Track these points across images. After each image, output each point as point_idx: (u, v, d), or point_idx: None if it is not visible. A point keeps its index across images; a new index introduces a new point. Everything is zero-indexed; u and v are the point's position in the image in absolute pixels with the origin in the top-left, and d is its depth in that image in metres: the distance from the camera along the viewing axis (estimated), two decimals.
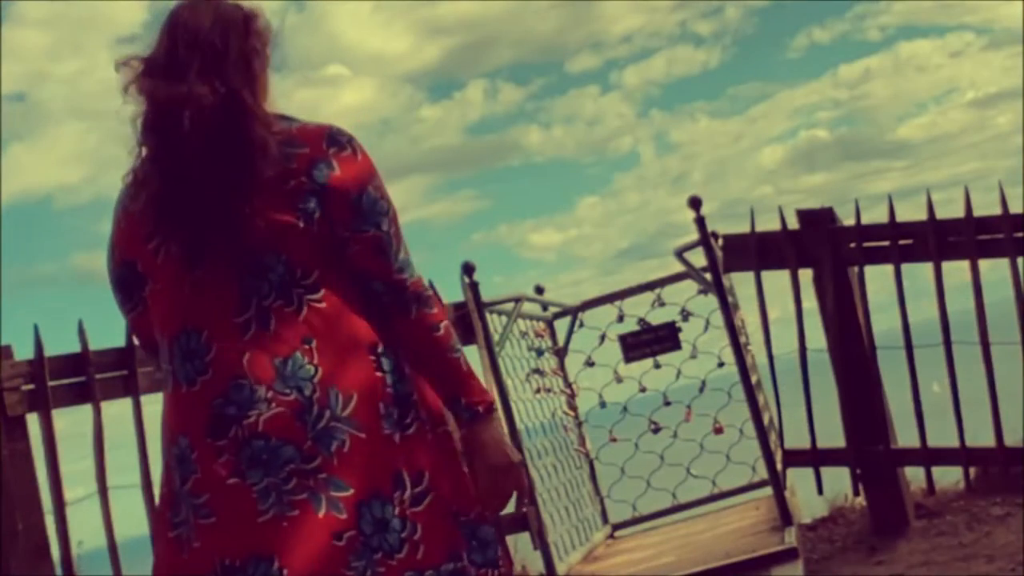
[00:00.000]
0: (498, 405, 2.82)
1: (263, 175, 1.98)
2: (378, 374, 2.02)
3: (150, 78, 2.04)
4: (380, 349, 2.03)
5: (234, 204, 1.98)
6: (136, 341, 2.27)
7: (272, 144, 2.00)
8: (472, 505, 2.08)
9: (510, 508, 2.32)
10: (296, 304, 2.00)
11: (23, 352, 3.93)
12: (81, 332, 4.02)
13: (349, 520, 1.95)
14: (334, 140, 2.05)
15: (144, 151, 2.07)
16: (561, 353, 6.39)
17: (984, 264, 4.93)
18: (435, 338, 2.07)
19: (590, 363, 6.31)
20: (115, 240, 2.15)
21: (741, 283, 5.54)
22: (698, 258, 5.43)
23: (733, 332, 5.23)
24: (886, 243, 5.03)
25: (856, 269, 5.09)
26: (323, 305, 2.01)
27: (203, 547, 1.98)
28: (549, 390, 5.96)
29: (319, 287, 2.02)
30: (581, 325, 6.39)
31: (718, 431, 6.08)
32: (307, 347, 1.98)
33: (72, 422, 4.10)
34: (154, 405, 4.17)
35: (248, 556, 1.94)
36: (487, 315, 5.00)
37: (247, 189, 1.99)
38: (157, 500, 2.23)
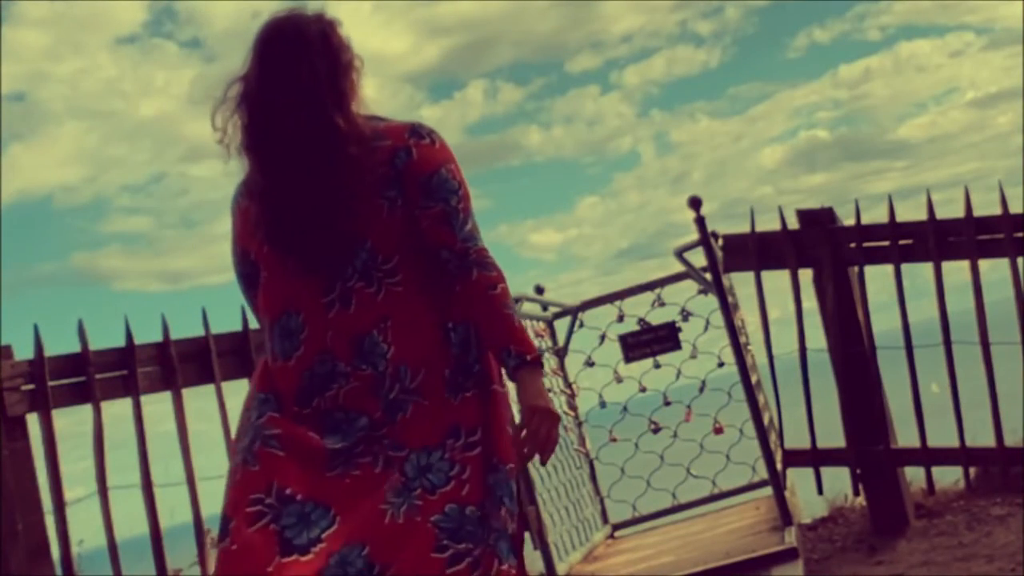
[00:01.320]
0: None
1: (351, 177, 2.21)
2: (445, 347, 2.27)
3: (246, 95, 2.28)
4: (449, 326, 2.28)
5: (324, 201, 2.22)
6: (258, 320, 2.47)
7: (358, 150, 2.22)
8: (511, 458, 2.29)
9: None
10: (376, 286, 2.24)
11: (23, 352, 3.93)
12: (81, 332, 4.02)
13: (397, 471, 2.21)
14: (415, 132, 2.28)
15: (249, 158, 2.30)
16: (561, 353, 6.39)
17: (984, 264, 4.93)
18: (491, 295, 2.27)
19: (590, 363, 6.31)
20: (235, 232, 2.39)
21: (741, 283, 5.54)
22: (698, 258, 5.42)
23: (733, 332, 5.22)
24: (886, 243, 5.03)
25: (856, 269, 5.09)
26: (399, 288, 2.25)
27: (262, 471, 2.21)
28: (549, 390, 5.95)
29: (397, 272, 2.25)
30: (581, 325, 6.38)
31: (718, 431, 6.08)
32: (383, 326, 2.22)
33: (72, 422, 4.10)
34: (154, 405, 4.18)
35: (309, 497, 2.18)
36: None
37: (336, 187, 2.21)
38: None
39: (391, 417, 2.22)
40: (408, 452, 2.21)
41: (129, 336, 4.14)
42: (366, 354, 2.22)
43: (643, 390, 6.24)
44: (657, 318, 6.14)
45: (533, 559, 5.13)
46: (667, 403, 6.26)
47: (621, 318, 6.20)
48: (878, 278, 5.18)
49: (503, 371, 2.34)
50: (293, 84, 2.24)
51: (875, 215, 5.10)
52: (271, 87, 2.25)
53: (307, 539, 2.17)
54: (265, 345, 2.35)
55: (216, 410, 4.36)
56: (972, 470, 5.16)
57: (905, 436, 5.18)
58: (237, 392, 4.40)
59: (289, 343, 2.27)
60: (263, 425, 2.24)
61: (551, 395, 5.99)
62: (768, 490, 5.37)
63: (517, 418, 2.32)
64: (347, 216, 2.23)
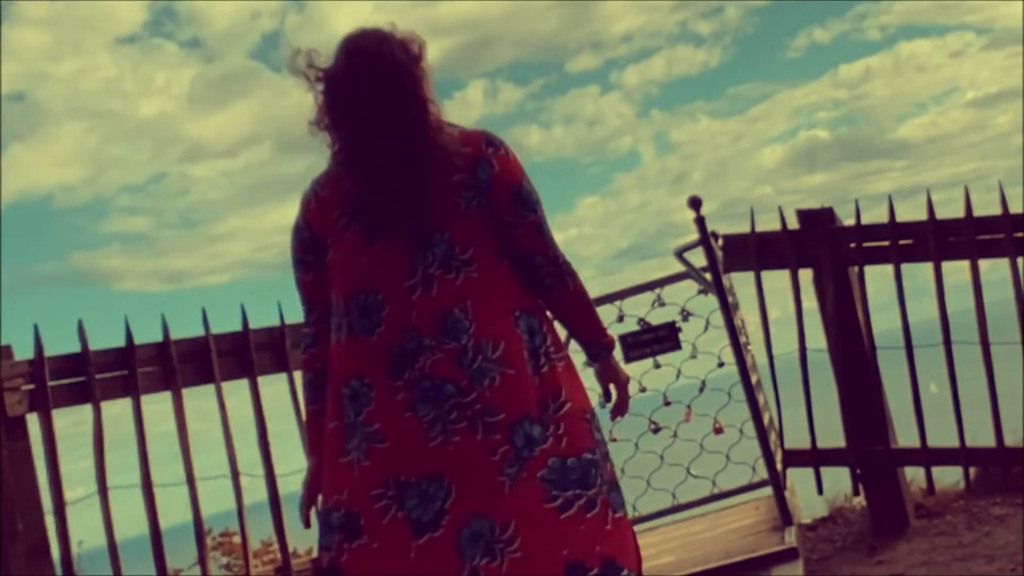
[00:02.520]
0: None
1: (434, 173, 2.49)
2: (516, 331, 2.53)
3: (334, 95, 2.53)
4: (517, 313, 2.55)
5: (409, 194, 2.49)
6: (303, 302, 2.71)
7: (441, 151, 2.50)
8: (589, 407, 2.62)
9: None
10: (454, 273, 2.51)
11: (23, 352, 3.93)
12: (81, 332, 4.02)
13: (503, 439, 2.46)
14: (491, 142, 2.58)
15: (335, 154, 2.57)
16: None
17: (984, 264, 4.93)
18: (584, 301, 2.68)
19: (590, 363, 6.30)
20: (306, 220, 2.62)
21: (741, 283, 5.53)
22: (698, 258, 5.42)
23: (733, 332, 5.22)
24: (886, 243, 5.03)
25: (856, 269, 5.09)
26: (475, 276, 2.52)
27: (373, 465, 2.48)
28: None
29: (473, 262, 2.53)
30: None
31: (718, 431, 6.07)
32: (463, 306, 2.49)
33: (72, 422, 4.11)
34: (154, 405, 4.18)
35: (422, 475, 2.45)
36: None
37: (420, 183, 2.49)
38: (327, 432, 2.61)
39: (479, 383, 2.47)
40: (505, 418, 2.47)
41: (129, 336, 4.14)
42: (449, 329, 2.48)
43: (643, 390, 6.23)
44: (657, 318, 6.13)
45: None
46: (667, 403, 6.24)
47: (621, 318, 6.19)
48: (878, 278, 5.18)
49: (582, 350, 2.77)
50: (385, 86, 2.50)
51: (875, 215, 5.10)
52: (361, 88, 2.50)
53: (432, 514, 2.44)
54: (337, 322, 2.58)
55: (216, 410, 4.36)
56: (972, 470, 5.16)
57: (905, 436, 5.18)
58: (237, 392, 4.41)
59: (369, 320, 2.53)
60: (364, 421, 2.51)
61: None
62: (768, 490, 5.37)
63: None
64: (428, 207, 2.50)
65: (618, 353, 6.14)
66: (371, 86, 2.50)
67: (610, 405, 2.84)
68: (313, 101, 2.58)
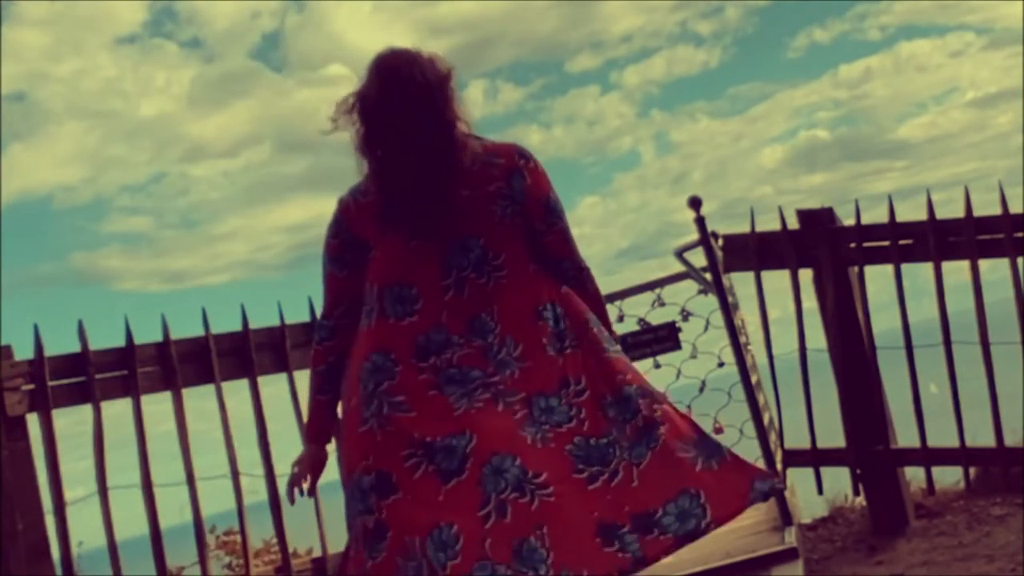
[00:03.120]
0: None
1: (457, 184, 2.69)
2: (540, 323, 2.76)
3: (367, 113, 2.72)
4: (542, 307, 2.78)
5: (445, 200, 2.69)
6: (329, 296, 2.89)
7: (472, 159, 2.71)
8: (625, 370, 2.82)
9: None
10: (486, 278, 2.75)
11: (23, 352, 3.93)
12: (81, 332, 4.02)
13: (521, 408, 2.68)
14: (522, 155, 2.79)
15: (370, 164, 2.75)
16: None
17: (984, 264, 4.93)
18: (598, 301, 2.92)
19: None
20: (348, 221, 2.82)
21: (741, 283, 5.53)
22: (698, 258, 5.42)
23: (733, 332, 5.22)
24: (886, 243, 5.02)
25: (856, 269, 5.08)
26: (504, 281, 2.75)
27: (398, 430, 2.65)
28: None
29: (503, 267, 2.76)
30: None
31: (718, 431, 6.06)
32: (491, 310, 2.73)
33: (72, 422, 4.11)
34: (154, 405, 4.18)
35: (447, 434, 2.63)
36: None
37: (443, 193, 2.69)
38: (341, 411, 2.84)
39: (501, 371, 2.70)
40: (524, 396, 2.70)
41: (129, 336, 4.14)
42: (478, 330, 2.72)
43: None
44: (657, 318, 6.13)
45: None
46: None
47: (621, 318, 6.19)
48: (878, 278, 5.18)
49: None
50: (414, 105, 2.68)
51: (875, 215, 5.10)
52: (393, 107, 2.70)
53: (458, 460, 2.62)
54: (368, 308, 2.79)
55: (216, 410, 4.36)
56: (972, 470, 5.16)
57: (905, 436, 5.18)
58: (237, 392, 4.42)
59: (402, 308, 2.75)
60: (387, 392, 2.69)
61: None
62: None
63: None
64: (454, 213, 2.71)
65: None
66: (402, 105, 2.69)
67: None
68: (351, 127, 2.78)
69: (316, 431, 2.95)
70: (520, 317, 2.75)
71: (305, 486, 2.97)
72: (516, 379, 2.71)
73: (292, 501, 2.98)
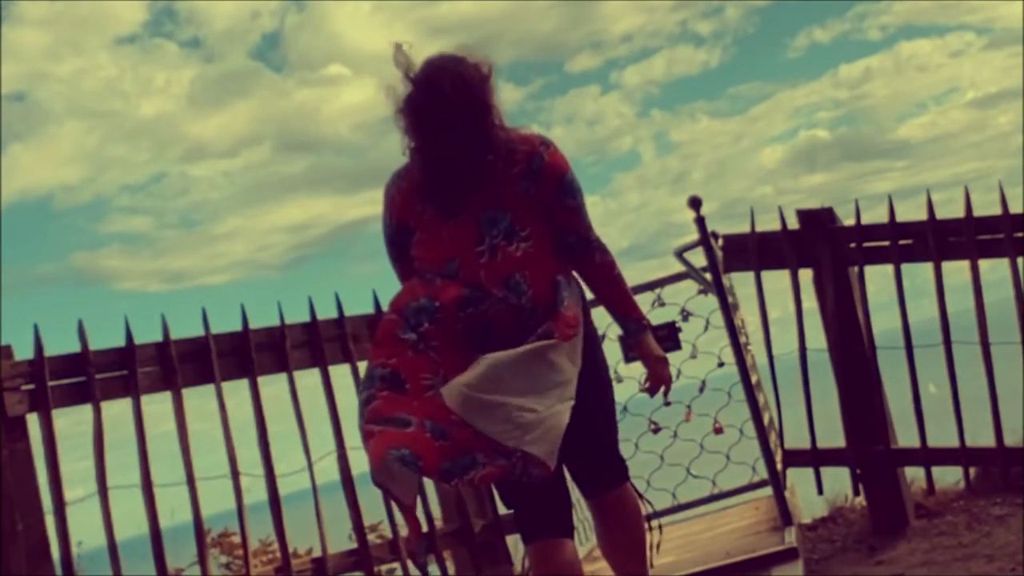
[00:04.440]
0: None
1: (495, 163, 3.06)
2: (556, 292, 3.09)
3: (415, 101, 3.08)
4: (558, 278, 3.11)
5: (477, 179, 3.06)
6: (402, 277, 3.25)
7: (500, 145, 3.07)
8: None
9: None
10: (515, 245, 3.08)
11: (23, 352, 3.93)
12: (81, 332, 4.02)
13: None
14: (544, 142, 3.15)
15: (412, 152, 3.13)
16: None
17: (984, 264, 4.93)
18: (613, 275, 3.24)
19: None
20: (391, 212, 3.20)
21: (741, 283, 5.53)
22: (698, 258, 5.42)
23: (733, 332, 5.22)
24: (886, 243, 5.03)
25: (856, 269, 5.08)
26: (532, 250, 3.09)
27: (426, 360, 3.02)
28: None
29: (529, 238, 3.10)
30: None
31: (718, 431, 6.08)
32: (523, 272, 3.07)
33: (72, 422, 4.11)
34: (154, 405, 4.18)
35: (462, 369, 2.97)
36: None
37: (484, 171, 3.07)
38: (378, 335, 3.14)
39: (525, 336, 3.00)
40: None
41: (129, 336, 4.14)
42: (512, 288, 3.06)
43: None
44: (657, 318, 6.13)
45: None
46: (667, 403, 6.25)
47: None
48: (878, 278, 5.18)
49: (622, 331, 3.39)
50: (459, 94, 3.05)
51: (875, 215, 5.10)
52: (440, 96, 3.05)
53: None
54: (424, 277, 3.13)
55: (216, 410, 4.36)
56: (972, 470, 5.16)
57: (905, 436, 5.18)
58: (237, 392, 4.41)
59: (449, 275, 3.09)
60: (425, 333, 3.05)
61: None
62: (768, 490, 5.37)
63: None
64: (486, 188, 3.07)
65: (616, 355, 6.17)
66: (450, 93, 3.05)
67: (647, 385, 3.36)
68: (395, 109, 3.15)
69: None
70: (545, 283, 3.10)
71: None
72: (540, 336, 3.02)
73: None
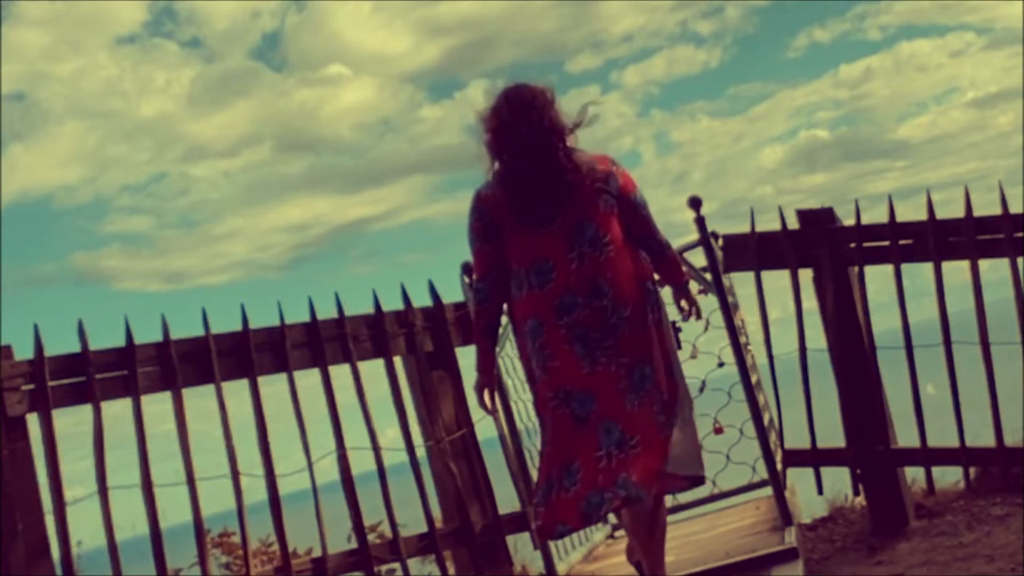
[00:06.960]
0: (499, 406, 4.63)
1: (582, 181, 3.67)
2: (638, 292, 3.71)
3: (498, 129, 3.71)
4: (639, 279, 3.73)
5: (560, 197, 3.66)
6: (480, 267, 3.77)
7: (583, 164, 3.68)
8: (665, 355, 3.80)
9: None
10: (599, 252, 3.67)
11: (23, 352, 3.93)
12: (81, 332, 4.03)
13: (626, 376, 3.66)
14: (615, 163, 3.78)
15: (499, 166, 3.74)
16: None
17: (984, 264, 4.93)
18: (676, 262, 4.01)
19: None
20: (485, 208, 3.72)
21: (741, 283, 5.53)
22: (698, 258, 5.42)
23: (733, 332, 5.22)
24: (886, 243, 5.02)
25: (856, 269, 5.08)
26: (613, 255, 3.68)
27: (549, 379, 3.69)
28: None
29: (610, 244, 3.68)
30: None
31: (718, 431, 6.07)
32: (605, 276, 3.65)
33: (72, 422, 4.11)
34: (154, 405, 4.18)
35: (580, 389, 3.67)
36: None
37: (567, 189, 3.67)
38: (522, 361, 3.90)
39: (612, 335, 3.64)
40: (629, 360, 3.66)
41: (129, 336, 4.14)
42: (595, 292, 3.64)
43: None
44: None
45: (533, 559, 5.12)
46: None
47: None
48: (878, 278, 5.18)
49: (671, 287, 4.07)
50: (535, 123, 3.67)
51: (875, 215, 5.10)
52: (520, 125, 3.67)
53: (586, 413, 3.66)
54: (518, 282, 3.70)
55: (216, 410, 4.36)
56: (972, 470, 5.16)
57: (905, 436, 5.18)
58: (237, 392, 4.42)
59: (542, 279, 3.67)
60: (539, 349, 3.68)
61: None
62: (768, 490, 5.37)
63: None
64: (568, 204, 3.65)
65: None
66: (527, 124, 3.67)
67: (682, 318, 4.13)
68: (479, 139, 3.77)
69: (483, 367, 3.83)
70: (626, 284, 3.68)
71: (487, 400, 3.85)
72: (624, 340, 3.65)
73: (490, 412, 3.95)
